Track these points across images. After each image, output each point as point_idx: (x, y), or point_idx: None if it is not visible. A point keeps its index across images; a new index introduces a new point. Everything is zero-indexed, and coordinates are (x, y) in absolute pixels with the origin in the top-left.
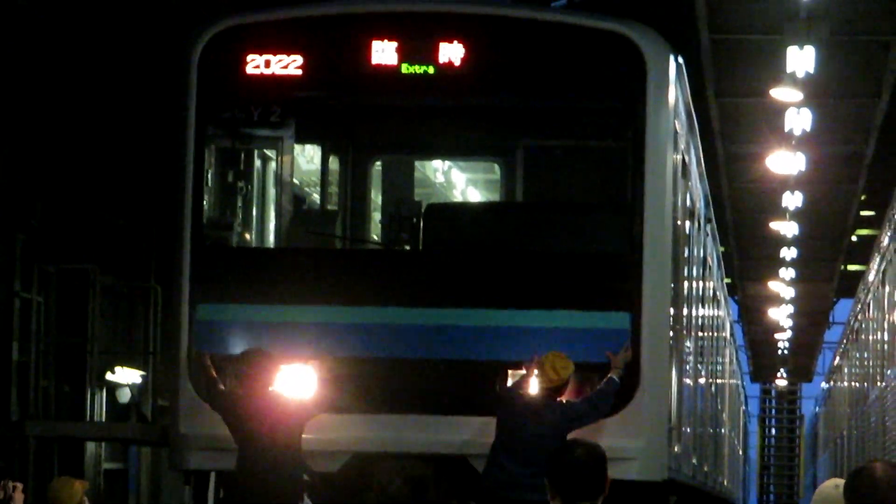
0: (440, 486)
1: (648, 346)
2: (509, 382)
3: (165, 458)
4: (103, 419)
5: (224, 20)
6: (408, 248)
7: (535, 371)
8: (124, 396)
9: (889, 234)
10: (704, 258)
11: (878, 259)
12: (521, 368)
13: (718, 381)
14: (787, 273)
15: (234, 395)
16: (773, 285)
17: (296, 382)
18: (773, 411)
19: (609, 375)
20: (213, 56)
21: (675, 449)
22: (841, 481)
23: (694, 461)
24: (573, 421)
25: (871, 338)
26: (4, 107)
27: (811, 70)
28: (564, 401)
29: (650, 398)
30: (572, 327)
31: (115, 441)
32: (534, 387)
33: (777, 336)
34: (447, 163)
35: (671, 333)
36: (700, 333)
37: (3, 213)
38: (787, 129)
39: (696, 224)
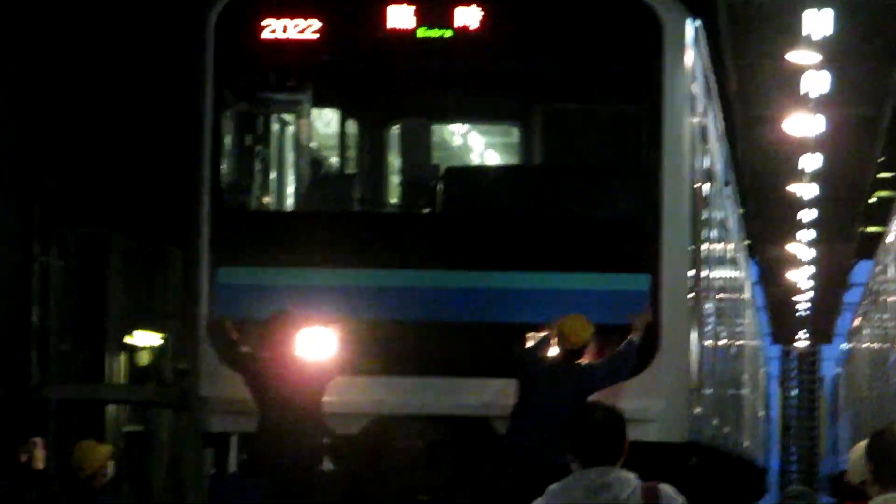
0: (461, 448)
1: (668, 307)
2: (528, 345)
3: (186, 421)
4: (123, 382)
5: None
6: (426, 211)
7: (555, 334)
8: (144, 359)
9: None
10: (723, 220)
11: None
12: (540, 331)
13: (738, 342)
14: (807, 235)
15: (256, 357)
16: (792, 247)
17: (317, 345)
18: (794, 373)
19: (629, 337)
20: (230, 20)
21: (696, 410)
22: None
23: (714, 423)
24: (593, 383)
25: (890, 299)
26: (20, 70)
27: (828, 32)
28: (584, 364)
29: (670, 360)
30: (592, 289)
31: (136, 404)
32: (553, 350)
33: (796, 298)
34: (465, 126)
35: (690, 295)
36: (720, 295)
37: (20, 176)
38: (804, 92)
39: (715, 186)
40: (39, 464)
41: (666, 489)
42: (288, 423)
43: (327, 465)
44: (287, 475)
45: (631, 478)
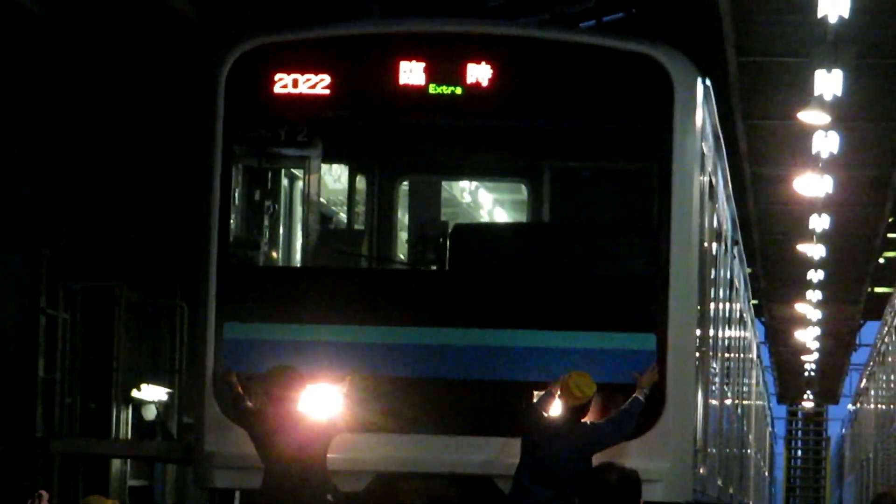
0: None
1: (674, 367)
2: (533, 403)
3: (191, 476)
4: (129, 436)
5: (252, 39)
6: (434, 268)
7: (559, 390)
8: (150, 413)
9: None
10: (731, 280)
11: None
12: (545, 389)
13: (744, 402)
14: (814, 295)
15: (261, 412)
16: (800, 307)
17: (321, 401)
18: (800, 433)
19: (634, 395)
20: (241, 75)
21: (701, 471)
22: None
23: (719, 483)
24: (597, 443)
25: None
26: (31, 124)
27: (838, 93)
28: (588, 422)
29: (675, 420)
30: (598, 348)
31: (141, 459)
32: (557, 408)
33: (804, 358)
34: (474, 183)
35: (697, 355)
36: (726, 355)
37: (29, 230)
38: (814, 152)
39: (723, 246)
40: None
41: None
42: (292, 479)
43: None
44: None
45: None
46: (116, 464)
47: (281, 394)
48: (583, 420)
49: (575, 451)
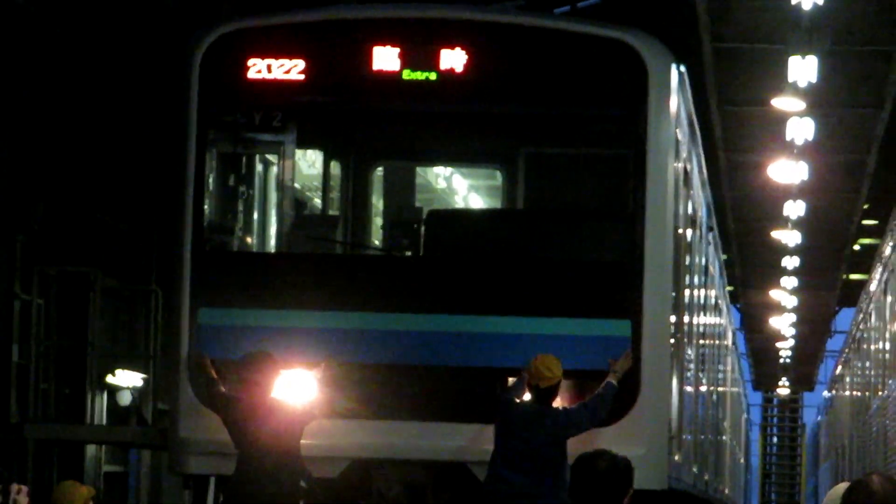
0: (439, 492)
1: (649, 353)
2: (506, 389)
3: (166, 462)
4: (103, 422)
5: (226, 24)
6: (409, 253)
7: (528, 375)
8: (124, 399)
9: (891, 243)
10: (706, 266)
11: (880, 269)
12: (518, 375)
13: (720, 389)
14: (790, 282)
15: (235, 398)
16: (775, 294)
17: (296, 387)
18: (775, 420)
19: (607, 380)
20: (215, 60)
21: (676, 458)
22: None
23: (694, 470)
24: (569, 427)
25: (872, 347)
26: (5, 109)
27: (813, 80)
28: (561, 407)
29: (650, 406)
30: (573, 334)
31: (116, 444)
32: (528, 395)
33: (779, 345)
34: (449, 169)
35: (672, 341)
36: (701, 341)
37: (4, 215)
38: (789, 138)
39: (698, 232)
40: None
41: None
42: (266, 466)
43: None
44: None
45: None
46: (91, 449)
47: (256, 379)
48: (554, 405)
49: (548, 437)
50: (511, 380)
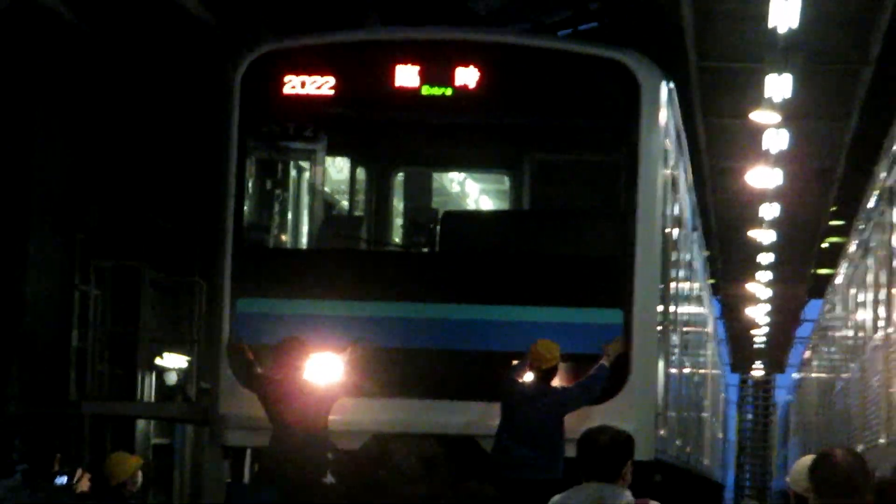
0: (451, 463)
1: (638, 340)
2: (510, 371)
3: (207, 435)
4: (152, 399)
5: (264, 45)
6: (425, 250)
7: (530, 358)
8: (171, 379)
9: (856, 242)
10: (690, 261)
11: (845, 264)
12: (521, 358)
13: (701, 371)
14: (764, 275)
15: (270, 379)
16: (752, 286)
17: (325, 368)
18: (750, 399)
19: (600, 362)
20: (255, 77)
21: (662, 432)
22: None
23: (678, 443)
24: (566, 404)
25: (837, 334)
26: (67, 120)
27: (788, 95)
28: (559, 386)
29: (639, 387)
30: (571, 322)
31: (163, 419)
32: (530, 375)
33: (754, 331)
34: (462, 174)
35: (659, 329)
36: (685, 328)
37: (65, 216)
38: (765, 148)
39: (684, 231)
40: (85, 488)
41: None
42: (296, 440)
43: (329, 478)
44: (294, 486)
45: (626, 494)
46: (141, 424)
47: (289, 362)
48: (553, 385)
49: (548, 413)
50: (515, 362)
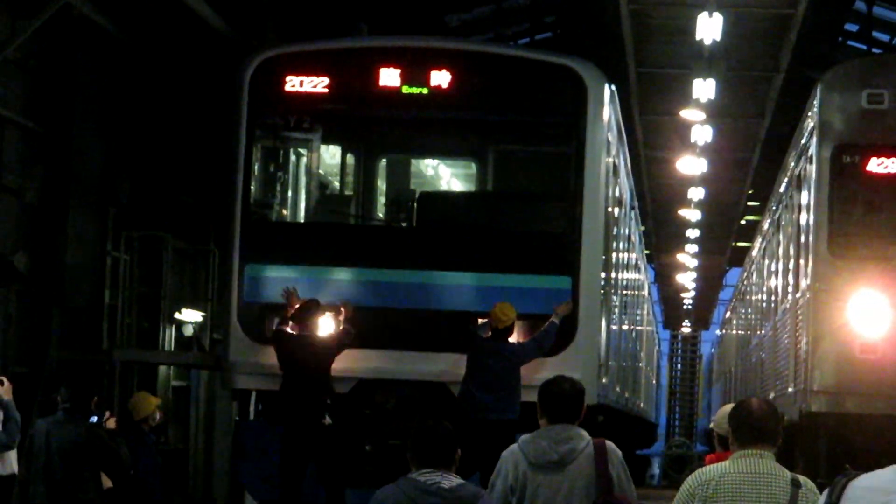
0: (425, 405)
1: (584, 302)
2: (475, 327)
3: (219, 379)
4: (172, 348)
5: (269, 50)
6: (404, 224)
7: (491, 317)
8: (188, 331)
9: (768, 220)
10: (629, 235)
11: (759, 239)
12: (485, 318)
13: (638, 328)
14: (692, 248)
15: (288, 333)
16: (681, 257)
17: (328, 325)
18: (680, 352)
19: (551, 320)
20: (261, 77)
21: (604, 380)
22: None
23: (618, 389)
24: (522, 357)
25: (753, 298)
26: (103, 111)
27: (712, 96)
28: (516, 342)
29: (584, 342)
30: (528, 287)
31: (181, 365)
32: (490, 332)
33: (683, 295)
34: (436, 161)
35: (602, 292)
36: (624, 292)
37: (99, 192)
38: (693, 141)
39: (623, 210)
40: (112, 425)
41: (611, 444)
42: (304, 384)
43: (328, 419)
44: (298, 425)
45: (585, 434)
46: (163, 369)
47: (307, 319)
48: (510, 340)
49: (506, 365)
50: (480, 321)
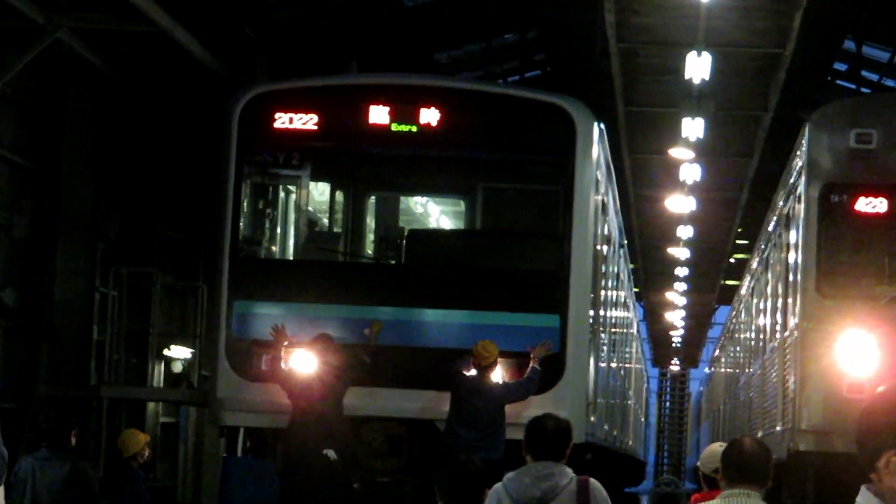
0: (412, 442)
1: (572, 340)
2: (457, 365)
3: (207, 416)
4: (161, 385)
5: (258, 87)
6: (393, 262)
7: (473, 354)
8: (177, 368)
9: (757, 258)
10: (618, 273)
11: (748, 277)
12: (465, 356)
13: (626, 365)
14: (680, 286)
15: (294, 372)
16: (670, 294)
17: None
18: (668, 389)
19: (532, 366)
20: (250, 114)
21: (592, 419)
22: (724, 444)
23: (606, 427)
24: (506, 397)
25: (741, 336)
26: (93, 149)
27: (700, 135)
28: (501, 381)
29: (573, 380)
30: (516, 325)
31: (169, 402)
32: (474, 370)
33: (672, 333)
34: (425, 198)
35: (590, 331)
36: (613, 330)
37: (88, 228)
38: (681, 179)
39: (612, 248)
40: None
41: (594, 482)
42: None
43: (331, 453)
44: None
45: (569, 471)
46: (151, 406)
47: (318, 355)
48: (494, 379)
49: (490, 403)
50: (460, 359)
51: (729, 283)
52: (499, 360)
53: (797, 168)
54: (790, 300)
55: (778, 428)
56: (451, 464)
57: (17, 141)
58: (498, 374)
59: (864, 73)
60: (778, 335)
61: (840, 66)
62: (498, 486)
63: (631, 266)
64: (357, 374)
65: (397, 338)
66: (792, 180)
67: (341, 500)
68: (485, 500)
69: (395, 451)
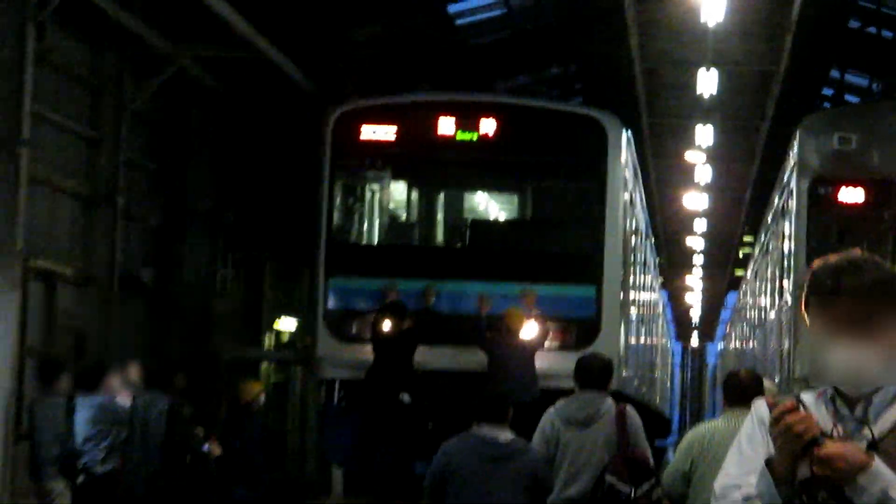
0: (464, 393)
1: (606, 306)
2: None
3: (309, 372)
4: (272, 348)
5: (347, 104)
6: (459, 246)
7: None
8: (286, 337)
9: (758, 251)
10: (645, 261)
11: (752, 266)
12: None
13: (654, 339)
14: (697, 273)
15: (378, 329)
16: (689, 280)
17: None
18: (689, 361)
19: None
20: (341, 126)
21: (624, 373)
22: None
23: (636, 383)
24: (533, 352)
25: (747, 315)
26: (213, 153)
27: (711, 142)
28: (529, 339)
29: (605, 339)
30: (562, 294)
31: (279, 362)
32: (507, 331)
33: (692, 313)
34: (485, 195)
35: (621, 302)
36: (642, 310)
37: (212, 220)
38: (696, 180)
39: (640, 239)
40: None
41: (630, 409)
42: (389, 368)
43: (406, 397)
44: (376, 401)
45: (609, 400)
46: (264, 367)
47: (387, 316)
48: (523, 338)
49: (520, 357)
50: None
51: (738, 272)
52: (536, 320)
53: (790, 166)
54: (786, 281)
55: (776, 379)
56: (484, 390)
57: (151, 150)
58: (530, 332)
59: (847, 96)
60: (776, 307)
61: (828, 91)
62: (550, 409)
63: (658, 259)
64: (424, 334)
65: (463, 307)
66: (786, 177)
67: (415, 439)
68: (509, 417)
69: (452, 402)
